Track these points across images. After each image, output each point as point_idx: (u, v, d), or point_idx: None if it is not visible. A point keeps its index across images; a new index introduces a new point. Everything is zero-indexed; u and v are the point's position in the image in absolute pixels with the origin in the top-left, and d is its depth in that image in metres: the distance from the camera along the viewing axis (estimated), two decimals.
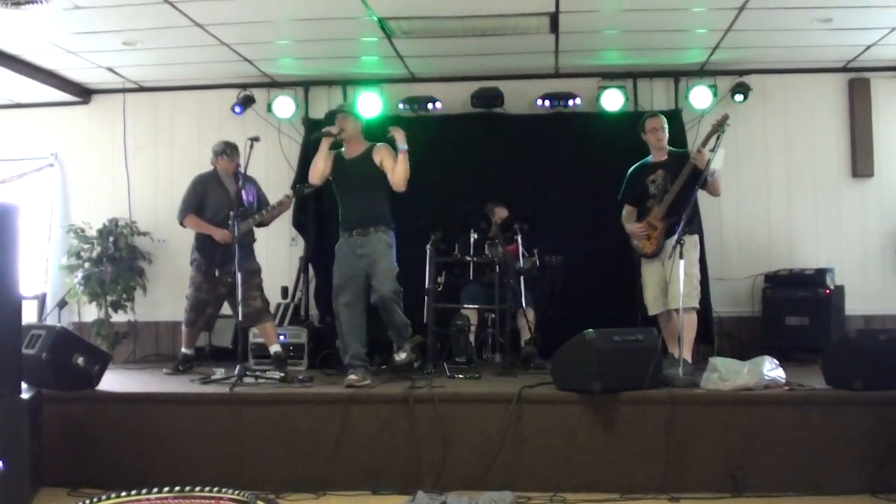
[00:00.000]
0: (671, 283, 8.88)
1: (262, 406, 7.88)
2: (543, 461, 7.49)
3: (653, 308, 9.38)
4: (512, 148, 11.93)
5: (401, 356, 9.03)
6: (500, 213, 10.74)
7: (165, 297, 12.34)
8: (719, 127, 8.99)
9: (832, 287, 11.00)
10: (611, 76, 11.98)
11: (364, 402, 7.77)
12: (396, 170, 8.88)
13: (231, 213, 9.31)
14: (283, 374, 8.96)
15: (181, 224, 10.00)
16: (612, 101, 11.75)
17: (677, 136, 11.48)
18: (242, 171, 9.41)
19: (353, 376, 8.41)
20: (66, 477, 7.59)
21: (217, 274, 9.78)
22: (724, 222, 11.81)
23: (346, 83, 12.36)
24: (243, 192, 9.62)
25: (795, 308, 10.96)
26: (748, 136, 11.74)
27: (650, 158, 9.64)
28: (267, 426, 7.75)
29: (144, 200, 12.59)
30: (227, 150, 9.99)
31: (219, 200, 9.82)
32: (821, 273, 11.06)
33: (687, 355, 8.91)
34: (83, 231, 12.09)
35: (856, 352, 7.55)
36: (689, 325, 9.03)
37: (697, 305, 9.31)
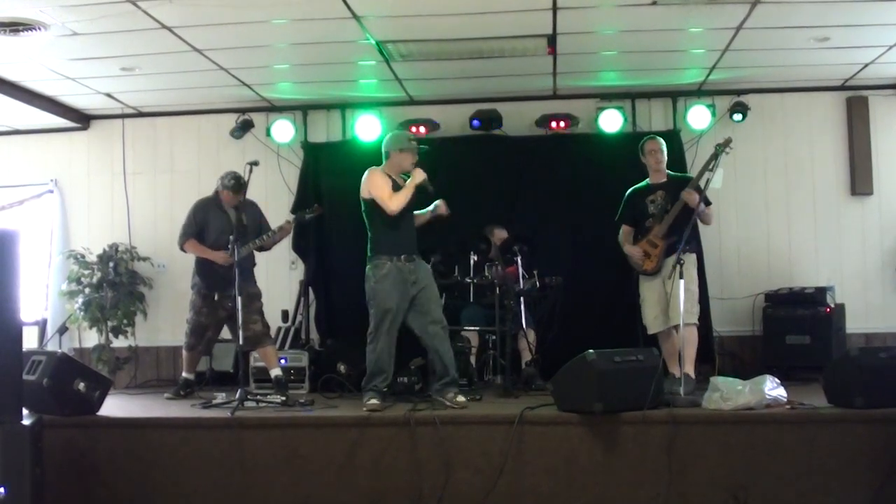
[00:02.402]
0: (672, 301, 8.96)
1: (264, 430, 7.88)
2: (545, 483, 7.48)
3: (653, 327, 9.42)
4: (511, 169, 11.95)
5: (458, 399, 8.57)
6: (500, 234, 10.76)
7: (166, 322, 12.34)
8: (722, 149, 9.18)
9: (833, 305, 10.99)
10: (609, 97, 12.01)
11: (366, 425, 7.76)
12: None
13: (231, 237, 9.29)
14: (284, 398, 8.94)
15: (181, 249, 10.01)
16: (611, 121, 11.75)
17: (676, 156, 11.50)
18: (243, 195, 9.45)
19: (374, 401, 8.42)
20: (67, 503, 7.57)
21: (217, 298, 9.79)
22: (723, 241, 11.81)
23: (345, 107, 12.39)
24: (243, 216, 9.63)
25: (796, 327, 10.94)
26: (747, 156, 11.76)
27: (649, 181, 9.70)
28: (269, 450, 7.74)
29: (144, 225, 12.59)
30: (233, 185, 9.78)
31: (220, 225, 9.80)
32: (821, 291, 11.05)
33: (690, 370, 9.00)
34: (83, 257, 12.09)
35: (857, 370, 7.54)
36: (690, 341, 9.12)
37: (697, 321, 9.40)
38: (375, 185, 8.75)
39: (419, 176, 8.75)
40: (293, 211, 11.89)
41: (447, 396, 8.53)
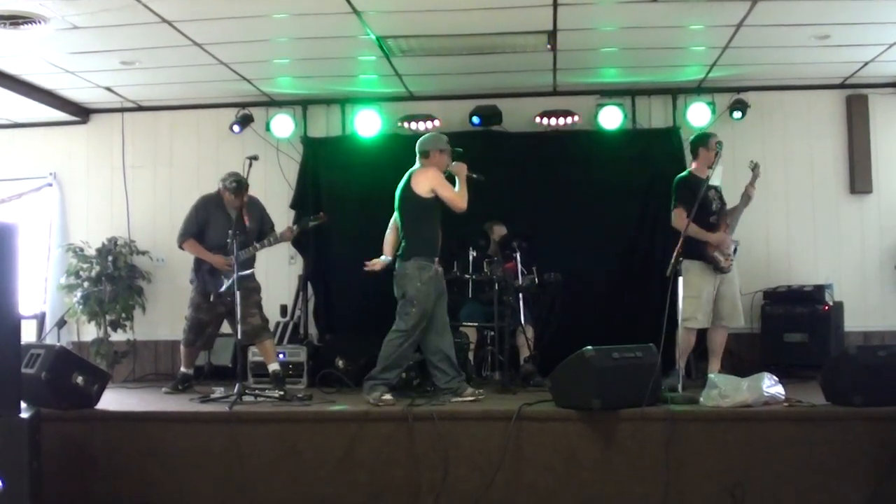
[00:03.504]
0: (727, 300, 9.48)
1: (262, 425, 7.88)
2: (543, 479, 7.47)
3: (704, 322, 9.35)
4: (510, 165, 11.91)
5: (478, 391, 8.84)
6: (499, 230, 10.76)
7: (164, 316, 12.32)
8: (754, 171, 9.67)
9: (831, 303, 11.00)
10: (609, 93, 12.00)
11: (364, 421, 7.74)
12: None
13: (230, 232, 9.22)
14: (282, 393, 8.95)
15: (180, 247, 9.98)
16: (611, 118, 11.76)
17: (676, 153, 11.54)
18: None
19: (388, 396, 8.50)
20: (65, 497, 7.56)
21: (212, 299, 9.78)
22: None
23: (345, 102, 12.39)
24: (245, 217, 9.62)
25: (794, 324, 10.96)
26: (746, 153, 11.70)
27: (697, 173, 9.60)
28: (267, 445, 7.73)
29: (143, 219, 12.59)
30: (234, 187, 9.65)
31: (222, 226, 9.68)
32: (819, 289, 11.06)
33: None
34: (82, 250, 12.10)
35: (855, 368, 7.53)
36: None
37: None
38: (441, 183, 8.77)
39: (464, 170, 8.85)
40: (292, 206, 11.98)
41: (466, 393, 8.62)
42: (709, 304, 9.41)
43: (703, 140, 9.70)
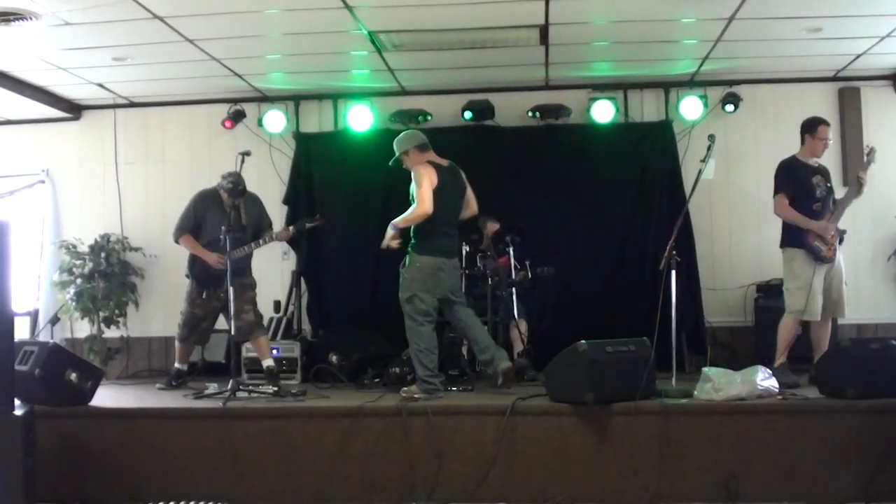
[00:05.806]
0: (832, 291, 9.14)
1: (256, 420, 7.88)
2: (537, 473, 7.49)
3: (815, 314, 9.08)
4: (503, 160, 11.91)
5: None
6: (492, 225, 10.73)
7: (158, 313, 12.33)
8: (869, 154, 9.35)
9: None
10: (601, 87, 11.99)
11: (358, 416, 7.74)
12: None
13: (224, 228, 9.18)
14: (276, 389, 8.93)
15: (176, 242, 9.97)
16: (603, 112, 11.73)
17: (668, 146, 11.53)
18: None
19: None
20: (59, 493, 7.57)
21: (205, 296, 9.79)
22: (715, 233, 11.82)
23: (337, 97, 12.36)
24: (242, 215, 9.64)
25: None
26: (739, 146, 11.75)
27: (801, 157, 9.40)
28: (261, 441, 7.74)
29: (136, 216, 12.57)
30: (230, 188, 9.61)
31: (218, 223, 9.61)
32: None
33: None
34: (75, 247, 12.08)
35: (848, 360, 7.56)
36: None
37: None
38: None
39: None
40: (285, 201, 11.99)
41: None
42: (819, 294, 9.07)
43: (809, 126, 9.40)
